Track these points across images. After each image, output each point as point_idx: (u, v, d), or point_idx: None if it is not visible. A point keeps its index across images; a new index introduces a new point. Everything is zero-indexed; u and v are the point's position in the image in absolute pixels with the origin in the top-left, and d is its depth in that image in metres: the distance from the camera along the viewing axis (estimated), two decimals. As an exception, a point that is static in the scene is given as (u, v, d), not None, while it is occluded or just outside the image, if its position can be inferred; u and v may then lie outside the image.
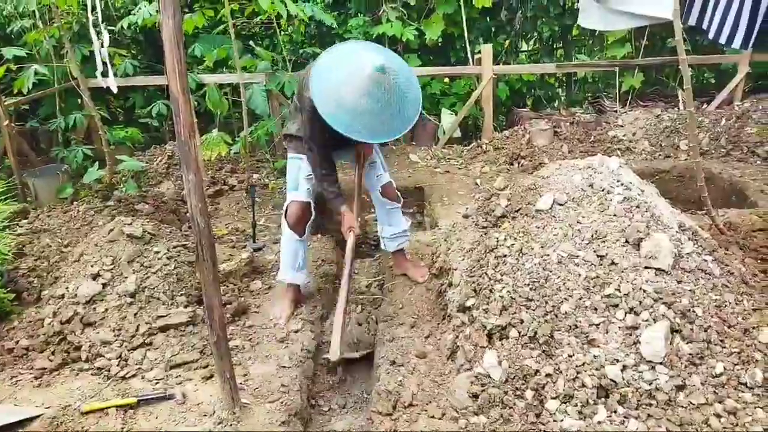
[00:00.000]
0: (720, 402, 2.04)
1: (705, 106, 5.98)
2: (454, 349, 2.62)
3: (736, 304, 2.36)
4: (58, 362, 2.81)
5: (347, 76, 2.55)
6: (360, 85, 2.50)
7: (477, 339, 2.44)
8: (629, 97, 6.44)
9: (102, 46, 4.22)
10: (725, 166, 5.08)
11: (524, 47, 7.61)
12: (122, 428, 2.39)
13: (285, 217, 3.09)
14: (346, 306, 2.93)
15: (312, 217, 3.11)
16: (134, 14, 4.85)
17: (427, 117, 6.40)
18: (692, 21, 3.37)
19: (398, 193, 3.34)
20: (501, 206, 2.96)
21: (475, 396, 2.25)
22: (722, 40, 3.17)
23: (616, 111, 6.24)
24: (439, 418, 2.32)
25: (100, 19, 3.93)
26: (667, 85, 6.71)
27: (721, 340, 2.21)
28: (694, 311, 2.26)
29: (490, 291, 2.56)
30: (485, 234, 2.95)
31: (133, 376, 2.71)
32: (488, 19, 6.66)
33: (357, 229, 3.00)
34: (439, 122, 6.36)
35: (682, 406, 2.04)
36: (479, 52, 5.99)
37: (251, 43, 5.87)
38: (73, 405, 2.52)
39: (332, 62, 2.65)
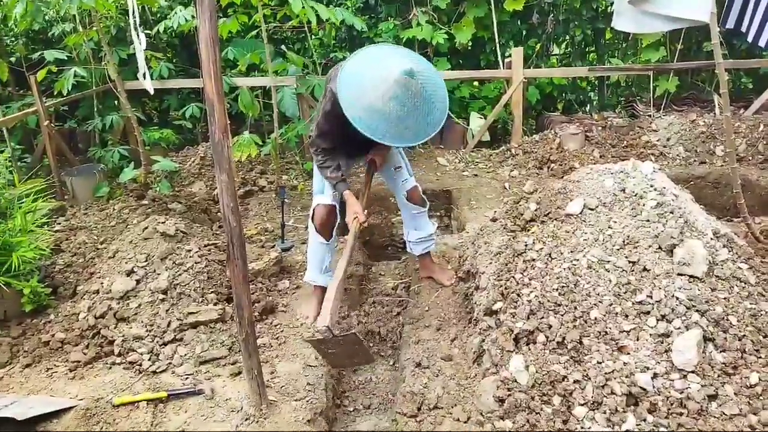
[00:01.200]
0: (755, 413, 1.98)
1: (742, 111, 5.83)
2: (481, 352, 2.60)
3: (773, 313, 2.29)
4: (92, 356, 2.89)
5: (374, 80, 2.55)
6: (387, 89, 2.50)
7: (504, 343, 2.42)
8: (664, 102, 6.32)
9: (141, 49, 4.33)
10: (763, 173, 4.94)
11: (556, 51, 7.53)
12: (152, 421, 2.45)
13: (311, 221, 3.12)
14: (342, 284, 2.71)
15: (338, 220, 3.13)
16: (170, 19, 4.97)
17: (455, 120, 6.39)
18: (731, 24, 3.28)
19: (424, 197, 3.33)
20: (530, 210, 2.94)
21: (501, 400, 2.24)
22: (762, 43, 3.08)
23: (650, 115, 6.11)
24: (465, 422, 2.31)
25: (138, 23, 4.03)
26: (702, 90, 6.56)
27: (757, 350, 2.15)
28: (728, 320, 2.20)
29: (518, 295, 2.54)
30: (513, 238, 2.93)
31: (164, 370, 2.78)
32: (519, 22, 6.61)
33: (362, 217, 2.86)
34: (468, 125, 6.33)
35: (715, 417, 1.99)
36: (509, 55, 5.96)
37: (283, 47, 5.95)
38: (105, 397, 2.59)
39: (360, 66, 2.66)
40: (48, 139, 5.09)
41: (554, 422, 2.11)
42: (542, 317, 2.40)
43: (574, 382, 2.19)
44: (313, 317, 3.18)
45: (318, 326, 2.48)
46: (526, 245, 2.74)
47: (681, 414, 2.00)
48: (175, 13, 4.94)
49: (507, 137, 6.45)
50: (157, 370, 2.77)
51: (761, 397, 2.02)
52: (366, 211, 2.90)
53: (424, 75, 2.59)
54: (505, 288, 2.64)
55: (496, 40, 6.25)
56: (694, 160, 5.37)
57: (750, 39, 3.18)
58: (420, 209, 3.31)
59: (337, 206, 3.10)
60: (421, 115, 2.58)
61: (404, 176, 3.24)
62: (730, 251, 2.48)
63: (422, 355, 2.78)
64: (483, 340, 2.61)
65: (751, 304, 2.27)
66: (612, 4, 6.22)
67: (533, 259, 2.64)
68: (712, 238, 2.49)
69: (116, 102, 6.01)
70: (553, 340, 2.32)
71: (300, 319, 3.20)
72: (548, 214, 2.83)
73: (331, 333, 2.42)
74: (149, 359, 2.83)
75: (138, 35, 4.04)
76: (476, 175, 5.55)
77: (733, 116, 5.51)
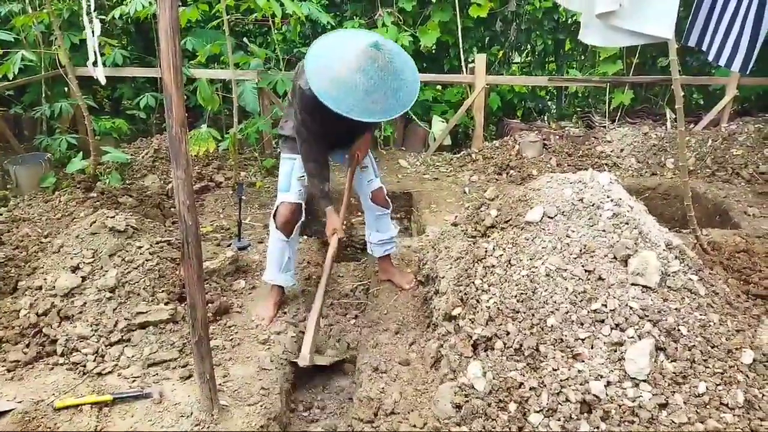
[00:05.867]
0: (701, 422, 2.04)
1: (692, 126, 6.06)
2: (438, 357, 2.60)
3: (720, 324, 2.37)
4: (33, 355, 2.74)
5: (342, 53, 2.55)
6: (353, 60, 2.49)
7: (462, 349, 2.42)
8: (618, 114, 6.51)
9: (93, 35, 4.14)
10: (710, 186, 5.14)
11: (517, 59, 7.66)
12: (96, 426, 2.34)
13: (273, 218, 3.05)
14: (321, 311, 2.91)
15: (302, 219, 3.08)
16: (127, 4, 4.78)
17: (417, 123, 6.41)
18: (692, 42, 3.40)
19: (388, 199, 3.32)
20: (491, 216, 2.95)
21: (458, 406, 2.23)
22: (722, 62, 3.21)
23: (604, 127, 6.29)
24: (421, 428, 2.30)
25: (92, 8, 3.86)
26: (655, 104, 6.79)
27: (705, 360, 2.22)
28: (679, 330, 2.26)
29: (477, 301, 2.55)
30: (474, 243, 2.94)
31: (110, 372, 2.66)
32: (483, 29, 6.68)
33: (341, 233, 2.99)
34: (430, 129, 6.36)
35: (664, 425, 2.04)
36: (473, 61, 6.01)
37: (245, 39, 5.82)
38: (46, 400, 2.46)
39: (328, 42, 2.68)
40: (-10, 125, 4.82)
41: (510, 429, 2.12)
42: (500, 324, 2.41)
43: (530, 389, 2.20)
44: (269, 319, 3.12)
45: (300, 365, 2.73)
46: (486, 251, 2.75)
47: (633, 422, 2.04)
48: (133, -1, 4.76)
49: (468, 142, 6.52)
50: (103, 372, 2.64)
51: (708, 406, 2.08)
52: (344, 224, 3.08)
53: (392, 52, 2.59)
54: (465, 293, 2.64)
55: (460, 46, 6.30)
56: (646, 172, 5.54)
57: (711, 58, 3.30)
58: (383, 210, 3.29)
59: (302, 204, 3.06)
60: (389, 90, 2.55)
61: (370, 176, 3.21)
62: (681, 263, 2.55)
63: (380, 359, 2.75)
64: (441, 345, 2.61)
65: (700, 315, 2.34)
66: (573, 16, 6.39)
67: (493, 266, 2.66)
68: (664, 250, 2.56)
69: (66, 88, 5.75)
70: (511, 346, 2.34)
71: (255, 321, 3.12)
72: (509, 220, 2.85)
73: (312, 366, 2.74)
74: (94, 360, 2.70)
75: (91, 21, 3.86)
76: (437, 178, 5.58)
77: (685, 130, 5.71)
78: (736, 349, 2.27)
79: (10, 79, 4.81)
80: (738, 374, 2.17)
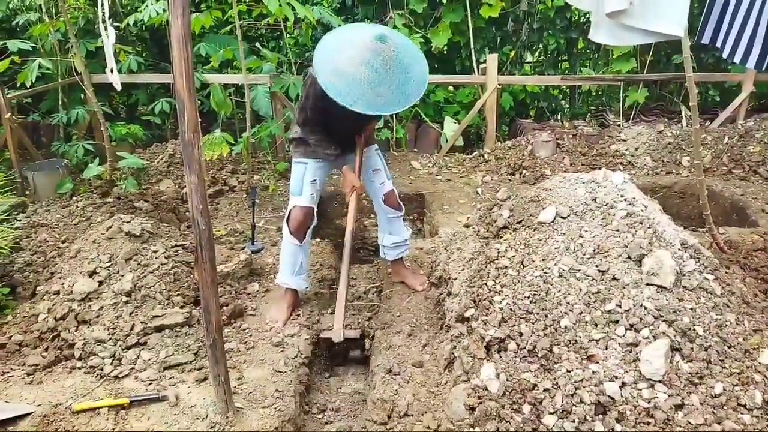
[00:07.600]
0: (718, 423, 2.02)
1: (708, 123, 5.99)
2: (452, 359, 2.59)
3: (737, 324, 2.34)
4: (51, 359, 2.78)
5: (347, 45, 2.59)
6: (358, 52, 2.52)
7: (475, 350, 2.42)
8: (633, 112, 6.44)
9: (109, 42, 4.20)
10: (727, 184, 5.07)
11: (529, 58, 7.61)
12: (113, 428, 2.37)
13: (286, 222, 3.07)
14: (348, 282, 3.00)
15: (314, 223, 3.09)
16: (141, 11, 4.84)
17: (429, 124, 6.40)
18: (706, 39, 3.36)
19: (400, 201, 3.32)
20: (503, 217, 2.94)
21: (472, 408, 2.23)
22: (737, 59, 3.17)
23: (619, 125, 6.23)
24: (435, 430, 2.30)
25: (107, 16, 3.91)
26: (670, 101, 6.71)
27: (721, 360, 2.19)
28: (694, 330, 2.24)
29: (490, 302, 2.54)
30: (486, 244, 2.93)
31: (127, 375, 2.69)
32: (494, 29, 6.66)
33: (357, 183, 3.05)
34: (442, 130, 6.35)
35: (680, 426, 2.02)
36: (485, 61, 5.99)
37: (257, 44, 5.86)
38: (64, 403, 2.50)
39: (336, 34, 2.73)
40: (9, 133, 4.90)
41: (524, 430, 2.11)
42: (513, 325, 2.40)
43: (544, 390, 2.19)
44: (283, 322, 3.14)
45: (335, 340, 2.90)
46: (498, 252, 2.74)
47: (648, 423, 2.03)
48: (146, 6, 4.83)
49: (480, 142, 6.50)
50: (120, 375, 2.68)
51: (725, 407, 2.06)
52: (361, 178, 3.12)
53: (398, 45, 2.60)
54: (477, 295, 2.63)
55: (472, 46, 6.29)
56: (661, 170, 5.49)
57: (725, 55, 3.27)
58: (396, 213, 3.30)
59: (314, 208, 3.07)
60: (395, 84, 2.57)
61: (382, 179, 3.22)
62: (697, 262, 2.52)
63: (393, 361, 2.75)
64: (454, 347, 2.60)
65: (716, 314, 2.32)
66: (586, 14, 6.34)
67: (505, 267, 2.65)
68: (679, 249, 2.53)
69: (82, 95, 5.83)
70: (524, 348, 2.33)
71: (269, 323, 3.14)
72: (521, 221, 2.84)
73: (344, 341, 2.92)
74: (111, 364, 2.74)
75: (107, 28, 3.91)
76: (449, 179, 5.57)
77: (700, 128, 5.65)
78: (754, 349, 2.24)
79: (28, 87, 4.89)
80: (756, 374, 2.15)
